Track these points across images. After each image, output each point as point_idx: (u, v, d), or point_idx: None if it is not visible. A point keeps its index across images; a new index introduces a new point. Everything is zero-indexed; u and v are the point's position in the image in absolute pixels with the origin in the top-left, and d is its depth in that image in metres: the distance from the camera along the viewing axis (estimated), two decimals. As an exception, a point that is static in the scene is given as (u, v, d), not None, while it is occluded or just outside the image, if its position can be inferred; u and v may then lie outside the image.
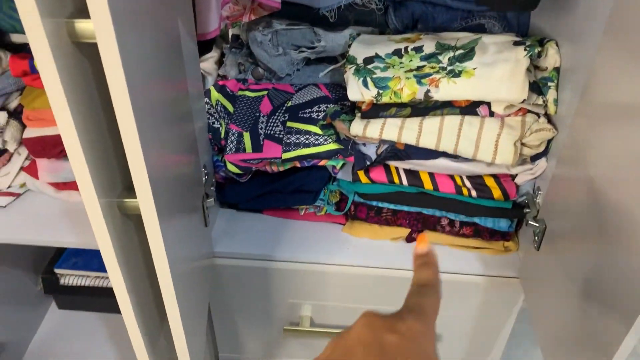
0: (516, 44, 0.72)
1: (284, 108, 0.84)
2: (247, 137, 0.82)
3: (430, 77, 0.71)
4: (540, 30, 0.78)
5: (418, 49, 0.76)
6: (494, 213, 0.79)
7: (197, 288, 0.73)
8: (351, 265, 0.84)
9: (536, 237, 0.73)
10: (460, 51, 0.73)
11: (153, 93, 0.49)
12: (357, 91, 0.73)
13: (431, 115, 0.73)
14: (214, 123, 0.83)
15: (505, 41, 0.73)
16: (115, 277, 0.52)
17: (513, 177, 0.79)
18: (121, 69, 0.39)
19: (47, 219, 0.87)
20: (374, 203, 0.83)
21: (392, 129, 0.74)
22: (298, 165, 0.82)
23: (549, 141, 0.72)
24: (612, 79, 0.54)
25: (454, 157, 0.75)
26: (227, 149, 0.81)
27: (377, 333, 0.33)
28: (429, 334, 0.35)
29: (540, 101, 0.70)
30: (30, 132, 0.83)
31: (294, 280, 0.87)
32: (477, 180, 0.78)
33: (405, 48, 0.77)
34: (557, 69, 0.71)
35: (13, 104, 0.87)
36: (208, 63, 0.92)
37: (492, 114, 0.72)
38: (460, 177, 0.78)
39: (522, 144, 0.72)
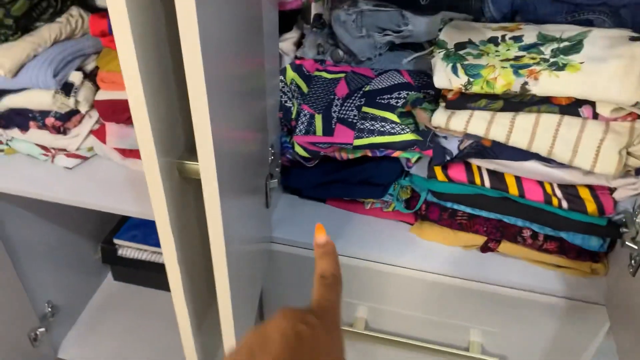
0: (633, 39, 0.63)
1: (361, 92, 0.78)
2: (318, 119, 0.77)
3: (529, 69, 0.63)
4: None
5: (517, 38, 0.69)
6: (585, 229, 0.70)
7: (251, 270, 0.69)
8: (416, 270, 0.78)
9: (633, 261, 0.64)
10: (565, 43, 0.65)
11: (228, 63, 0.46)
12: (445, 77, 0.67)
13: (526, 111, 0.65)
14: (286, 102, 0.79)
15: (619, 36, 0.65)
16: (167, 245, 0.49)
17: (611, 190, 0.70)
18: (197, 35, 0.36)
19: (110, 185, 0.85)
20: (449, 204, 0.76)
21: (479, 123, 0.67)
22: (369, 154, 0.77)
23: (661, 153, 0.63)
24: None
25: (547, 160, 0.67)
26: (297, 130, 0.77)
27: (292, 323, 0.37)
28: (336, 324, 0.39)
29: (655, 106, 0.62)
30: (103, 95, 0.82)
31: (352, 279, 0.82)
32: (569, 190, 0.70)
33: (503, 36, 0.70)
34: (679, 71, 0.62)
35: (90, 66, 0.86)
36: (287, 43, 0.89)
37: (596, 115, 0.64)
38: (551, 185, 0.70)
39: (628, 154, 0.63)
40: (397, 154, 0.75)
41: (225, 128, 0.46)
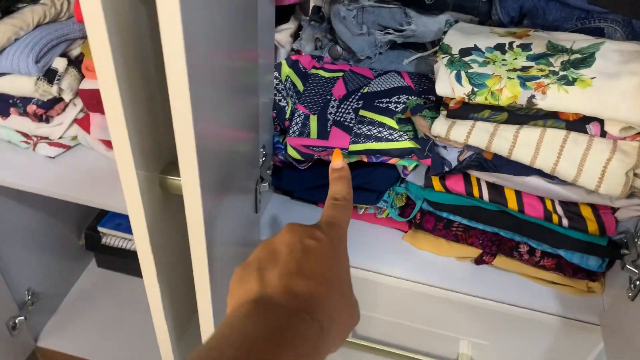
0: (648, 55, 0.60)
1: (359, 94, 0.75)
2: (313, 120, 0.73)
3: (537, 81, 0.60)
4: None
5: (525, 47, 0.65)
6: (584, 248, 0.67)
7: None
8: (408, 280, 0.75)
9: (632, 285, 0.62)
10: (576, 55, 0.62)
11: (216, 58, 0.42)
12: (448, 85, 0.63)
13: (531, 124, 0.62)
14: (280, 101, 0.75)
15: (634, 50, 0.61)
16: (146, 262, 0.45)
17: (614, 210, 0.67)
18: (180, 28, 0.32)
19: (94, 178, 0.82)
20: (445, 214, 0.73)
21: (481, 134, 0.64)
22: (365, 159, 0.74)
23: (669, 176, 0.61)
24: None
25: (550, 177, 0.64)
26: (291, 131, 0.73)
27: (299, 237, 0.38)
28: (342, 242, 0.40)
29: (666, 127, 0.59)
30: (88, 84, 0.78)
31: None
32: (570, 208, 0.67)
33: (510, 43, 0.66)
34: (694, 91, 0.59)
35: (75, 52, 0.82)
36: (283, 35, 0.84)
37: (604, 133, 0.61)
38: (552, 201, 0.68)
39: (635, 175, 0.61)
40: (393, 160, 0.72)
41: (211, 130, 0.42)
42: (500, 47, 0.66)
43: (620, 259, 0.66)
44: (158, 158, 0.44)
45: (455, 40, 0.67)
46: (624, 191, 0.60)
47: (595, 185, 0.61)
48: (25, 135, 0.85)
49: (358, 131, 0.71)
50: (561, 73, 0.60)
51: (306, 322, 0.32)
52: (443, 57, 0.65)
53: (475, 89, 0.62)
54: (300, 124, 0.73)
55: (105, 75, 0.35)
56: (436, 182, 0.71)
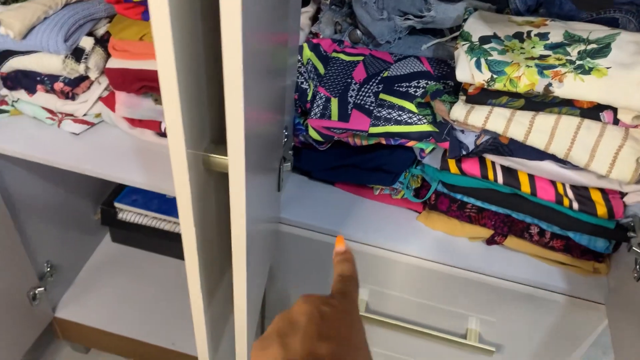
0: (662, 46, 0.62)
1: (379, 78, 0.77)
2: (334, 103, 0.76)
3: (554, 70, 0.63)
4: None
5: (543, 36, 0.68)
6: (593, 230, 0.71)
7: (262, 251, 0.69)
8: (420, 258, 0.79)
9: (638, 267, 0.65)
10: (593, 45, 0.64)
11: (259, 41, 0.44)
12: (468, 72, 0.66)
13: (546, 111, 0.65)
14: (302, 83, 0.78)
15: (648, 41, 0.64)
16: (188, 232, 0.48)
17: (622, 194, 0.70)
18: (239, 11, 0.34)
19: (116, 154, 0.84)
20: (459, 196, 0.76)
21: (498, 120, 0.66)
22: (383, 142, 0.76)
23: (677, 163, 0.63)
24: None
25: (563, 162, 0.67)
26: (312, 113, 0.76)
27: (316, 305, 0.39)
28: (355, 310, 0.42)
29: (677, 116, 0.61)
30: (114, 63, 0.80)
31: (356, 262, 0.82)
32: (581, 192, 0.70)
33: (528, 32, 0.68)
34: None
35: (101, 31, 0.84)
36: (302, 17, 0.87)
37: (617, 121, 0.63)
38: (563, 185, 0.71)
39: (645, 161, 0.64)
40: (411, 143, 0.75)
41: (253, 113, 0.45)
42: (518, 36, 0.68)
43: (627, 241, 0.69)
44: (202, 137, 0.47)
45: (475, 28, 0.69)
46: (634, 177, 0.63)
47: (607, 171, 0.64)
48: (50, 111, 0.87)
49: (378, 114, 0.74)
50: (578, 62, 0.63)
51: None
52: (463, 44, 0.68)
53: (495, 76, 0.64)
54: (321, 106, 0.76)
55: (164, 60, 0.37)
56: (452, 165, 0.74)
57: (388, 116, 0.73)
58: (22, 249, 1.02)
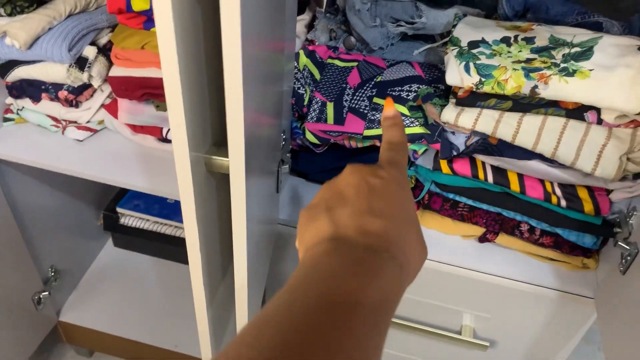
0: (642, 49, 0.65)
1: (373, 82, 0.80)
2: (330, 107, 0.79)
3: (540, 72, 0.65)
4: (667, 37, 0.71)
5: (529, 40, 0.70)
6: (580, 227, 0.73)
7: (262, 251, 0.71)
8: (416, 256, 0.81)
9: (624, 261, 0.68)
10: (576, 49, 0.67)
11: (258, 49, 0.47)
12: (457, 75, 0.69)
13: (533, 112, 0.68)
14: (299, 88, 0.80)
15: (629, 44, 0.66)
16: (191, 231, 0.51)
17: (608, 191, 0.73)
18: (239, 22, 0.37)
19: (119, 159, 0.87)
20: (451, 195, 0.79)
21: (487, 121, 0.69)
22: (378, 144, 0.79)
23: (659, 160, 0.66)
24: None
25: (550, 160, 0.69)
26: (309, 117, 0.79)
27: (364, 177, 0.38)
28: (405, 180, 0.40)
29: (658, 115, 0.64)
30: (116, 71, 0.83)
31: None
32: (568, 190, 0.73)
33: (515, 37, 0.71)
34: (683, 83, 0.64)
35: (103, 40, 0.86)
36: (299, 25, 0.89)
37: (600, 121, 0.66)
38: (551, 184, 0.73)
39: (628, 159, 0.66)
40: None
41: (253, 117, 0.47)
42: (506, 40, 0.71)
43: (614, 237, 0.72)
44: (204, 140, 0.50)
45: (464, 33, 0.72)
46: (617, 174, 0.66)
47: (592, 169, 0.66)
48: (54, 119, 0.90)
49: (372, 117, 0.76)
50: (562, 65, 0.66)
51: (385, 260, 0.32)
52: (453, 49, 0.70)
53: (483, 79, 0.67)
54: (317, 111, 0.79)
55: (168, 66, 0.40)
56: (444, 165, 0.76)
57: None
58: (27, 254, 1.05)
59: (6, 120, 0.92)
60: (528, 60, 0.68)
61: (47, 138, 0.90)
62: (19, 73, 0.84)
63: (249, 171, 0.48)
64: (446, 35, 0.81)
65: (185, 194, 0.47)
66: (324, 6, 0.91)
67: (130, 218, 1.24)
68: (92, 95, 0.88)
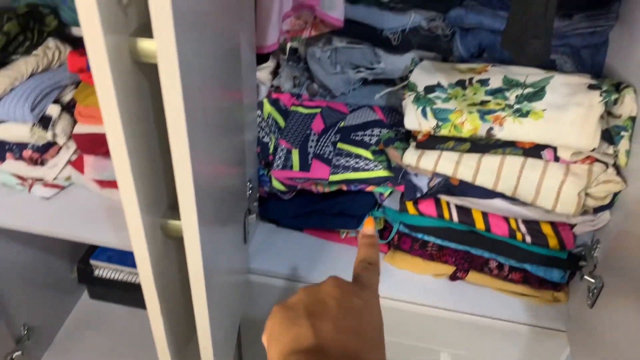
0: (591, 87, 0.67)
1: (336, 128, 0.81)
2: (295, 154, 0.79)
3: (494, 114, 0.67)
4: (615, 71, 0.73)
5: (484, 82, 0.72)
6: (547, 262, 0.74)
7: (229, 305, 0.71)
8: (388, 298, 0.81)
9: (591, 294, 0.68)
10: (529, 89, 0.69)
11: (208, 106, 0.47)
12: (415, 120, 0.70)
13: (491, 153, 0.69)
14: (263, 137, 0.81)
15: (579, 83, 0.68)
16: (151, 300, 0.50)
17: (572, 225, 0.74)
18: (180, 90, 0.38)
19: (87, 215, 0.86)
20: (420, 235, 0.80)
21: (447, 163, 0.70)
22: (344, 188, 0.80)
23: (615, 194, 0.67)
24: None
25: (512, 199, 0.70)
26: (274, 165, 0.79)
27: (347, 294, 0.39)
28: (378, 305, 0.42)
29: (610, 151, 0.66)
30: (81, 128, 0.83)
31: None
32: (532, 226, 0.74)
33: (470, 79, 0.73)
34: (632, 118, 0.66)
35: (67, 97, 0.87)
36: (263, 72, 0.91)
37: (557, 159, 0.68)
38: (515, 220, 0.74)
39: (587, 195, 0.68)
40: (370, 188, 0.78)
41: (206, 173, 0.47)
42: (461, 84, 0.72)
43: (580, 270, 0.72)
44: (159, 203, 0.50)
45: (420, 78, 0.74)
46: (577, 210, 0.67)
47: (552, 206, 0.67)
48: (20, 177, 0.89)
49: (337, 163, 0.77)
50: (516, 106, 0.67)
51: None
52: (410, 95, 0.72)
53: (440, 123, 0.68)
54: (283, 158, 0.79)
55: (113, 136, 0.40)
56: (410, 207, 0.77)
57: (346, 164, 0.77)
58: (-2, 315, 1.03)
59: (-29, 181, 0.91)
60: (483, 103, 0.69)
61: (13, 197, 0.89)
62: (-18, 134, 0.84)
63: (207, 229, 0.48)
64: (406, 78, 0.83)
65: (141, 260, 0.47)
66: (287, 54, 0.92)
67: (105, 269, 1.22)
68: (57, 153, 0.88)
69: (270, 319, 0.39)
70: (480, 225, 0.74)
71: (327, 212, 0.84)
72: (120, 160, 0.41)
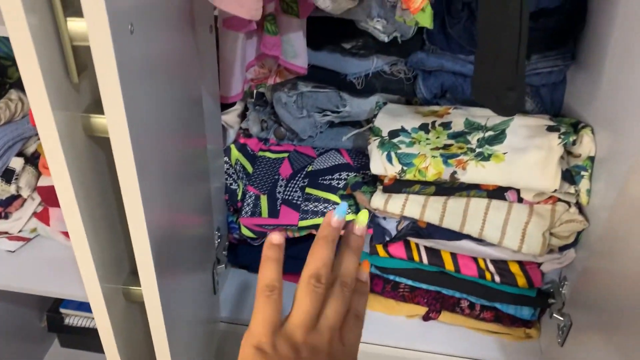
0: (550, 129, 0.68)
1: (304, 173, 0.81)
2: (264, 200, 0.79)
3: (457, 158, 0.68)
4: (574, 110, 0.75)
5: (446, 125, 0.73)
6: (516, 300, 0.75)
7: (198, 355, 0.69)
8: (362, 342, 0.80)
9: (561, 332, 0.69)
10: (490, 133, 0.70)
11: (168, 159, 0.47)
12: (381, 165, 0.71)
13: (457, 195, 0.70)
14: (231, 184, 0.81)
15: (538, 125, 0.70)
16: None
17: (539, 263, 0.75)
18: (133, 164, 0.37)
19: (54, 268, 0.84)
20: (391, 277, 0.80)
21: (414, 207, 0.71)
22: (314, 232, 0.79)
23: (579, 232, 0.68)
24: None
25: (479, 240, 0.71)
26: (243, 212, 0.79)
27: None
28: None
29: (572, 190, 0.67)
30: (45, 181, 0.82)
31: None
32: (501, 265, 0.74)
33: (433, 123, 0.74)
34: (591, 158, 0.67)
35: (31, 149, 0.86)
36: (231, 116, 0.91)
37: (520, 200, 0.69)
38: (484, 260, 0.75)
39: (551, 234, 0.69)
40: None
41: (167, 229, 0.47)
42: (424, 127, 0.74)
43: (549, 307, 0.73)
44: (119, 270, 0.49)
45: (385, 122, 0.75)
46: (542, 250, 0.68)
47: (518, 246, 0.68)
48: (-16, 231, 0.87)
49: (305, 208, 0.77)
50: (478, 150, 0.68)
51: None
52: (375, 139, 0.73)
53: (405, 168, 0.69)
54: (251, 205, 0.79)
55: (67, 207, 0.40)
56: (380, 249, 0.77)
57: (315, 209, 0.77)
58: (-38, 371, 0.99)
59: None
60: (446, 147, 0.70)
61: (-23, 251, 0.87)
62: (-57, 189, 0.82)
63: (171, 289, 0.47)
64: (371, 120, 0.84)
65: (103, 327, 0.46)
66: (254, 97, 0.93)
67: (75, 317, 1.19)
68: (22, 205, 0.86)
69: None
70: (449, 266, 0.75)
71: (299, 256, 0.83)
72: (76, 231, 0.40)
